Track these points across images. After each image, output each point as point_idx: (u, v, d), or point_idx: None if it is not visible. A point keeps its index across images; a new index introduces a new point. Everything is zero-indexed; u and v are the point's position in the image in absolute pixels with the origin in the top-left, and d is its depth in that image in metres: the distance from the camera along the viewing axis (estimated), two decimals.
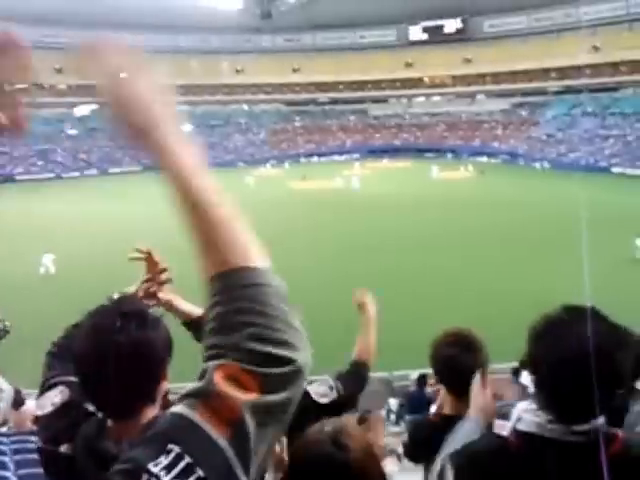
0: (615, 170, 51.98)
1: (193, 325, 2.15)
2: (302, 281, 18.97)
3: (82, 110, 73.31)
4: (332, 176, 50.24)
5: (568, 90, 68.38)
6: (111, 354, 1.34)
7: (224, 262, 0.85)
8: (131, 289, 2.07)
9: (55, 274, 22.07)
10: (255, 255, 0.87)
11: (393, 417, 9.87)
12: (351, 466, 1.45)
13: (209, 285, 0.85)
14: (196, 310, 2.18)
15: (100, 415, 1.54)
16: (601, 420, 1.57)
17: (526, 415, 1.64)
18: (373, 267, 21.38)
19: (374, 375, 11.98)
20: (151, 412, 1.46)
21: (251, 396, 0.76)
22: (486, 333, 2.88)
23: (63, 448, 1.55)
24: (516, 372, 7.92)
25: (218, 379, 0.76)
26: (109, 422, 1.49)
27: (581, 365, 1.44)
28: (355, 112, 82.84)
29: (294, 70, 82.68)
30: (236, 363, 0.78)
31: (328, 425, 1.52)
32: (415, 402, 9.05)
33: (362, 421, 2.40)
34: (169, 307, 2.16)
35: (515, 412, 1.74)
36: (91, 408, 1.58)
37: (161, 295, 2.13)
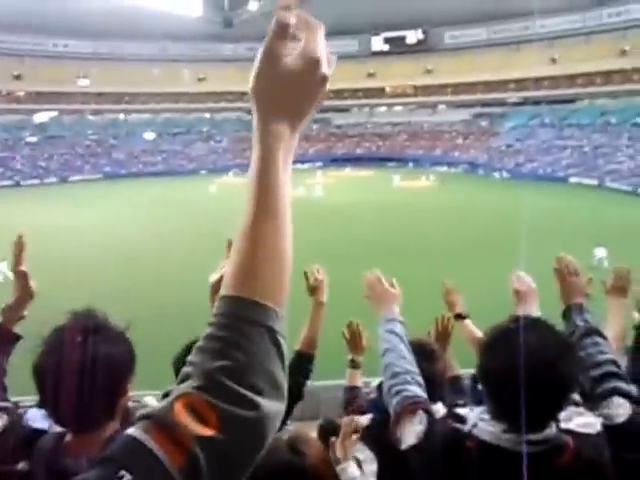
0: (572, 180, 53.15)
1: None
2: None
3: (41, 117, 72.12)
4: (295, 184, 49.37)
5: (527, 101, 69.86)
6: (72, 369, 1.36)
7: (248, 288, 0.81)
8: (214, 277, 2.04)
9: (7, 282, 21.19)
10: (280, 298, 0.83)
11: None
12: (307, 472, 1.47)
13: (219, 300, 0.82)
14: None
15: (58, 430, 1.53)
16: (552, 429, 1.62)
17: (482, 423, 1.66)
18: (336, 275, 21.24)
19: (334, 383, 11.96)
20: (112, 427, 1.46)
21: (206, 431, 0.72)
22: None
23: (20, 466, 1.51)
24: (475, 378, 7.86)
25: (178, 406, 0.74)
26: (68, 437, 1.48)
27: (528, 375, 1.45)
28: (318, 121, 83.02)
29: None
30: (200, 393, 0.75)
31: (284, 433, 1.52)
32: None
33: (328, 431, 2.35)
34: None
35: (471, 417, 1.77)
36: (38, 425, 1.60)
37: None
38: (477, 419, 1.72)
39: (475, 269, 22.28)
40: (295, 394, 2.54)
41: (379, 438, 2.40)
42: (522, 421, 1.49)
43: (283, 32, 0.85)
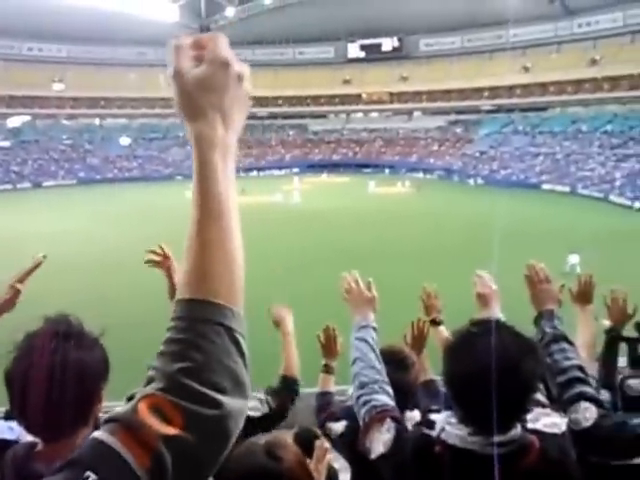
0: (545, 187, 53.96)
1: None
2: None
3: (14, 121, 70.98)
4: (271, 190, 50.15)
5: (500, 109, 70.78)
6: (43, 375, 1.32)
7: (201, 290, 0.83)
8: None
9: None
10: (235, 296, 0.85)
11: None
12: (284, 476, 1.47)
13: (176, 305, 0.84)
14: None
15: (29, 440, 1.49)
16: (517, 430, 1.64)
17: (449, 427, 1.68)
18: (312, 281, 21.70)
19: (311, 391, 11.98)
20: (84, 434, 1.41)
21: (171, 430, 0.74)
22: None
23: None
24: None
25: (142, 407, 0.75)
26: (39, 446, 1.44)
27: (489, 377, 1.47)
28: (294, 127, 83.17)
29: None
30: (163, 394, 0.76)
31: (261, 438, 1.55)
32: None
33: (304, 439, 2.39)
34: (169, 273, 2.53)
35: (439, 421, 1.78)
36: (5, 436, 1.57)
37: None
38: (444, 423, 1.73)
39: (449, 275, 22.37)
40: (279, 414, 2.63)
41: (352, 446, 2.40)
42: (493, 423, 1.51)
43: (181, 51, 0.90)
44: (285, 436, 1.62)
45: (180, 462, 0.74)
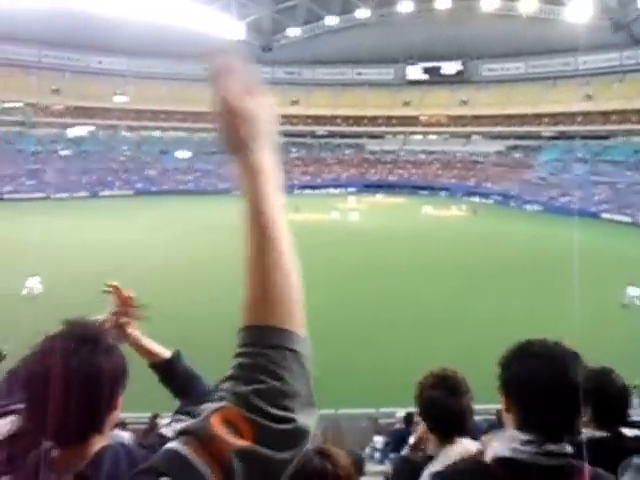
0: (604, 216, 52.76)
1: (160, 368, 2.12)
2: None
3: (76, 131, 73.17)
4: (326, 209, 50.40)
5: (561, 136, 69.75)
6: (60, 377, 1.28)
7: (266, 317, 0.87)
8: (99, 317, 2.02)
9: (38, 295, 21.31)
10: (297, 320, 0.89)
11: (378, 455, 9.34)
12: (337, 476, 1.55)
13: (243, 331, 0.88)
14: (165, 353, 2.15)
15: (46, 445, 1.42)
16: (569, 447, 1.64)
17: (500, 443, 1.69)
18: (362, 294, 22.23)
19: (360, 411, 11.94)
20: (99, 442, 1.39)
21: (243, 442, 0.77)
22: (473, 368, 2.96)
23: None
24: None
25: (215, 420, 0.78)
26: (54, 452, 1.39)
27: (549, 386, 1.59)
28: (351, 146, 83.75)
29: (293, 102, 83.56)
30: (238, 409, 0.80)
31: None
32: (400, 441, 8.38)
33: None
34: (136, 345, 2.09)
35: (492, 442, 1.79)
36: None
37: (130, 330, 2.09)
38: (497, 441, 1.73)
39: (496, 300, 22.43)
40: None
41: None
42: (551, 429, 1.59)
43: (229, 80, 1.02)
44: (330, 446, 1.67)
45: (251, 473, 0.77)
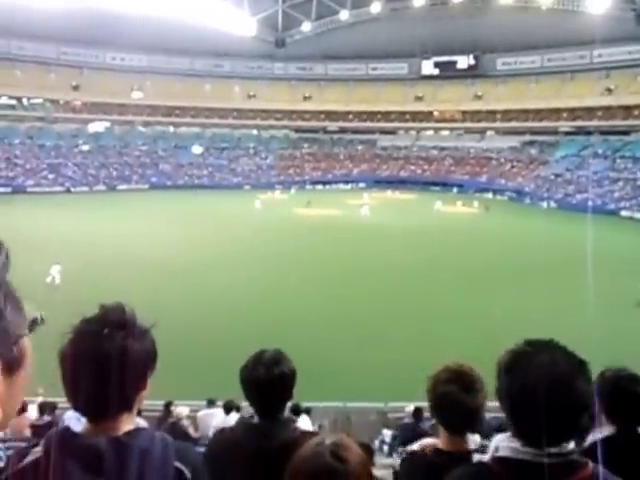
0: (624, 213, 51.37)
1: None
2: (299, 299, 21.22)
3: (96, 126, 73.99)
4: (337, 204, 49.99)
5: (579, 131, 68.17)
6: (94, 358, 1.42)
7: None
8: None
9: (60, 284, 22.38)
10: None
11: (386, 448, 9.56)
12: (349, 476, 1.52)
13: None
14: None
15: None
16: (571, 445, 1.63)
17: (502, 443, 1.70)
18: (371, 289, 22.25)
19: (370, 405, 11.71)
20: (127, 418, 1.51)
21: None
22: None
23: (27, 459, 1.46)
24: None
25: None
26: (84, 426, 1.51)
27: (545, 392, 1.53)
28: (363, 142, 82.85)
29: (305, 98, 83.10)
30: None
31: (327, 439, 1.55)
32: (409, 435, 8.50)
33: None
34: None
35: (493, 443, 1.84)
36: (74, 426, 1.57)
37: None
38: (498, 443, 1.73)
39: (517, 297, 21.57)
40: None
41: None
42: (545, 437, 1.56)
43: None
44: (349, 439, 1.62)
45: None
